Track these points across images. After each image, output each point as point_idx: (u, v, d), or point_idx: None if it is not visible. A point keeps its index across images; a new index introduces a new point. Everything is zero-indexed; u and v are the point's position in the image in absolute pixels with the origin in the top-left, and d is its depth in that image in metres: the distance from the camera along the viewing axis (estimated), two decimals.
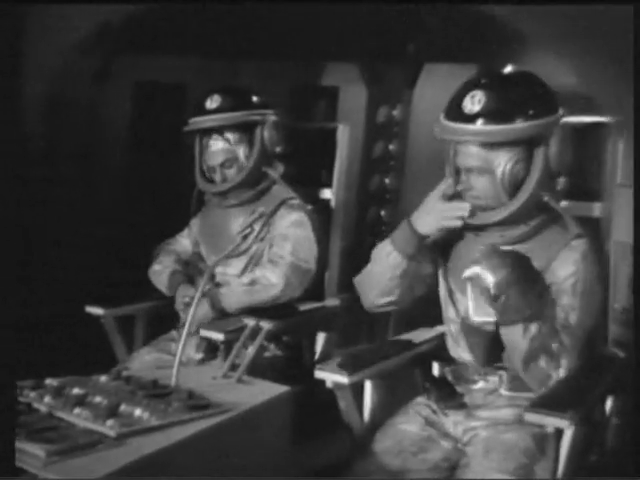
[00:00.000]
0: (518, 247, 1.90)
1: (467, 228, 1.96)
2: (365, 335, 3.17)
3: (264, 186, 2.61)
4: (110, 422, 1.66)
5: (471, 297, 1.83)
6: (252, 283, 2.49)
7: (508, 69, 1.98)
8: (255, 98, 2.62)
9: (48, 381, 1.91)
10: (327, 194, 2.94)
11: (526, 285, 1.78)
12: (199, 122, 2.58)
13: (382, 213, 3.63)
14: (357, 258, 3.54)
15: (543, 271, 1.87)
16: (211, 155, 2.56)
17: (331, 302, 2.73)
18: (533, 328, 1.78)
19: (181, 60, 3.78)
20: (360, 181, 3.63)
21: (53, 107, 3.65)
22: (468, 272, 1.80)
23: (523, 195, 1.86)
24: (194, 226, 2.74)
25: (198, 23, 3.51)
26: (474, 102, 1.83)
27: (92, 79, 3.67)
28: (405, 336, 2.30)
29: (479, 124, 1.83)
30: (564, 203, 2.23)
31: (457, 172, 1.94)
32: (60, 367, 2.04)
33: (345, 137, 2.98)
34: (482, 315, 1.83)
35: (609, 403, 2.04)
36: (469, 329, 1.94)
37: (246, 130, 2.57)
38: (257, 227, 2.42)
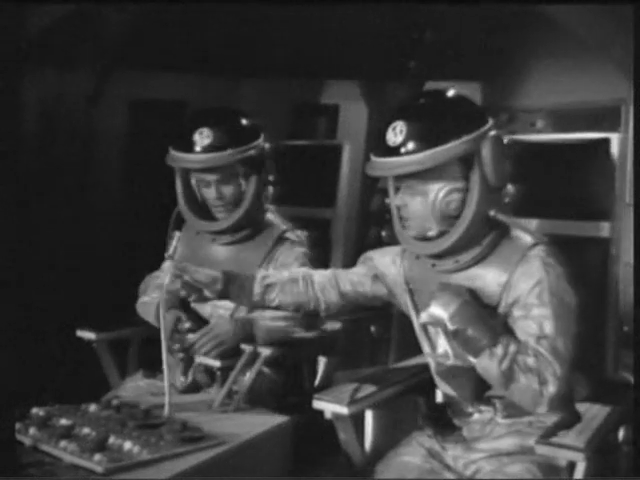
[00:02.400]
0: (475, 268, 1.85)
1: (423, 260, 1.92)
2: (366, 359, 3.10)
3: (259, 220, 2.44)
4: (98, 457, 1.59)
5: (447, 343, 1.83)
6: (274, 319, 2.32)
7: (430, 91, 1.94)
8: (248, 127, 2.40)
9: (34, 410, 1.86)
10: (327, 214, 2.88)
11: (481, 312, 1.77)
12: (187, 161, 2.35)
13: (383, 233, 3.57)
14: None
15: (506, 287, 1.82)
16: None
17: (331, 326, 2.66)
18: (499, 350, 1.73)
19: (181, 78, 3.75)
20: (360, 201, 3.58)
21: (48, 128, 3.60)
22: (423, 317, 1.80)
23: (467, 216, 1.80)
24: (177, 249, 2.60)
25: (198, 40, 3.48)
26: (396, 133, 1.79)
27: (87, 98, 3.62)
28: (408, 363, 2.24)
29: (403, 155, 1.78)
30: (571, 223, 2.18)
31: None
32: (50, 393, 1.98)
33: (345, 154, 2.92)
34: (462, 358, 1.81)
35: (621, 430, 1.97)
36: (448, 371, 1.90)
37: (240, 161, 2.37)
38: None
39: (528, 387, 1.73)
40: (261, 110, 3.74)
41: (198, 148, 2.32)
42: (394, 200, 1.87)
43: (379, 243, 3.58)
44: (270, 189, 2.51)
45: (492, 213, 1.83)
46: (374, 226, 3.58)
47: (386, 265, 2.04)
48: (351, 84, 3.63)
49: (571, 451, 1.66)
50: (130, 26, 3.44)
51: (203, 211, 2.44)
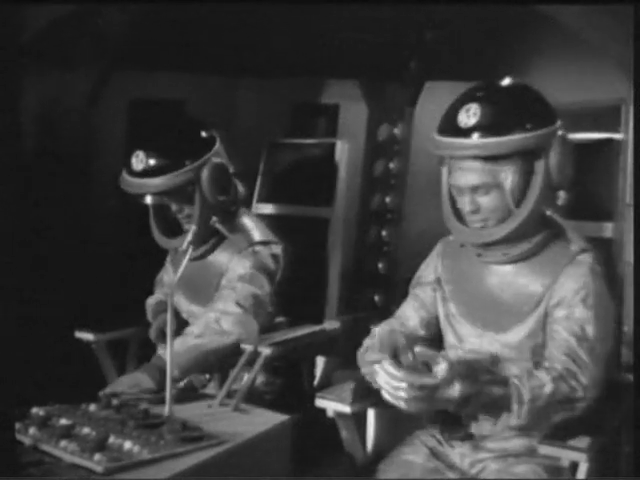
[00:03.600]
0: (522, 264, 1.85)
1: (467, 249, 1.90)
2: None
3: (216, 240, 2.37)
4: (98, 456, 1.58)
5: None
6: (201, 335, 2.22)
7: (504, 82, 1.88)
8: (187, 147, 2.30)
9: (34, 410, 1.85)
10: (326, 213, 2.88)
11: (474, 379, 1.68)
12: (127, 185, 2.29)
13: (383, 233, 3.57)
14: (358, 279, 3.51)
15: (549, 289, 1.81)
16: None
17: (331, 325, 2.66)
18: (515, 406, 1.67)
19: (179, 77, 3.73)
20: (361, 200, 3.57)
21: (47, 127, 3.59)
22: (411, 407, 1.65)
23: (525, 209, 1.79)
24: (166, 277, 2.57)
25: (197, 39, 3.46)
26: (469, 115, 1.77)
27: (86, 98, 3.61)
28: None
29: (475, 137, 1.76)
30: (574, 223, 2.17)
31: (451, 192, 1.87)
32: (49, 394, 1.97)
33: (344, 154, 2.92)
34: None
35: (624, 431, 1.96)
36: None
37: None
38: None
39: (557, 407, 1.70)
40: (261, 109, 3.75)
41: (135, 172, 2.27)
42: (466, 206, 1.82)
43: (380, 243, 3.60)
44: (241, 192, 2.42)
45: (548, 212, 1.84)
46: (374, 225, 3.58)
47: (428, 273, 2.02)
48: (351, 84, 3.62)
49: (574, 451, 1.66)
50: (129, 26, 3.43)
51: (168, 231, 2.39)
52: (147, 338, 2.52)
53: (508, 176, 1.78)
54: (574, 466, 1.70)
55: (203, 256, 2.39)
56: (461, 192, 1.84)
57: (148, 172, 2.25)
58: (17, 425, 1.72)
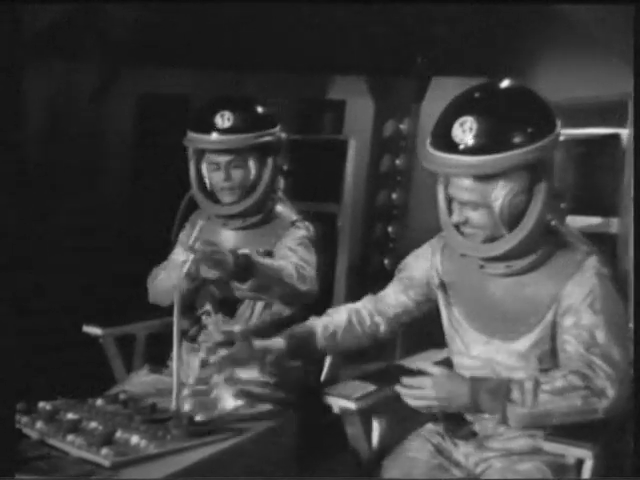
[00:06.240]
0: (527, 276, 1.80)
1: (470, 259, 1.84)
2: (373, 355, 3.09)
3: (270, 208, 2.47)
4: (105, 451, 1.59)
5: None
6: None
7: (501, 84, 1.77)
8: (266, 114, 2.48)
9: (41, 404, 1.86)
10: (333, 209, 2.88)
11: (487, 383, 1.71)
12: (206, 142, 2.39)
13: (389, 229, 3.57)
14: (364, 275, 3.51)
15: (556, 298, 1.76)
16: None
17: None
18: (527, 385, 1.67)
19: (186, 72, 3.74)
20: (367, 196, 3.58)
21: (55, 122, 3.60)
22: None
23: (528, 224, 1.72)
24: (185, 238, 2.56)
25: (203, 35, 3.47)
26: (464, 129, 1.65)
27: (94, 93, 3.62)
28: (414, 358, 2.22)
29: (472, 155, 1.65)
30: (580, 219, 2.17)
31: (449, 200, 1.80)
32: (56, 388, 1.98)
33: (351, 150, 2.92)
34: None
35: (629, 428, 1.95)
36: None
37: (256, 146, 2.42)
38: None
39: (572, 405, 1.67)
40: (267, 105, 3.75)
41: (218, 130, 2.37)
42: (454, 217, 1.77)
43: (386, 239, 3.60)
44: (282, 180, 2.56)
45: (553, 222, 1.76)
46: (380, 221, 3.58)
47: (420, 263, 2.00)
48: (358, 79, 3.62)
49: (580, 448, 1.65)
50: (136, 22, 3.44)
51: (212, 198, 2.46)
52: (155, 333, 2.53)
53: (499, 197, 1.70)
54: (579, 464, 1.68)
55: (247, 228, 2.44)
56: (452, 201, 1.79)
57: (233, 129, 2.36)
58: (24, 419, 1.73)
